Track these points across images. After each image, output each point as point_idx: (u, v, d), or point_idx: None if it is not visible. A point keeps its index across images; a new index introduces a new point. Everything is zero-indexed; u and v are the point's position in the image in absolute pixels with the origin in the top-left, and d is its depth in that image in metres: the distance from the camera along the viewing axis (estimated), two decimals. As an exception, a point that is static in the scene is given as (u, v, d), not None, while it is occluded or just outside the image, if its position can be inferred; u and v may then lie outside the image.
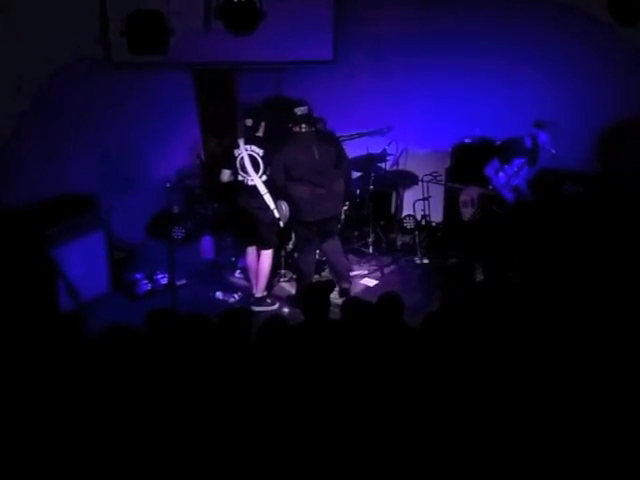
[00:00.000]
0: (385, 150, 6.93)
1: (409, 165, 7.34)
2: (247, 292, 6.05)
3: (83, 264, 5.64)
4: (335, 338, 3.66)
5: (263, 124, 5.62)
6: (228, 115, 7.51)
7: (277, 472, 2.84)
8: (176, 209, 6.88)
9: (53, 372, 3.26)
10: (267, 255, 5.80)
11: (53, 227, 5.45)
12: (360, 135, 6.75)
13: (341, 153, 5.73)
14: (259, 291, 5.84)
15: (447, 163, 6.94)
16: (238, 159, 5.60)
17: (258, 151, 5.56)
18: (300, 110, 5.47)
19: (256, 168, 5.56)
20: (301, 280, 5.80)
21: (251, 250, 5.88)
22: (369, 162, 6.83)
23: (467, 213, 5.99)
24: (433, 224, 7.26)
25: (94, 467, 2.82)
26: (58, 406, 3.03)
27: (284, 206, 5.64)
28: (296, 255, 6.04)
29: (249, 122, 5.59)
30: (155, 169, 6.78)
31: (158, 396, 3.10)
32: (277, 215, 5.59)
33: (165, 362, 3.33)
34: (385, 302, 3.86)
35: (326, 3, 6.92)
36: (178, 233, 6.92)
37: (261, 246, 5.82)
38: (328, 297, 4.13)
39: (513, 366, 3.38)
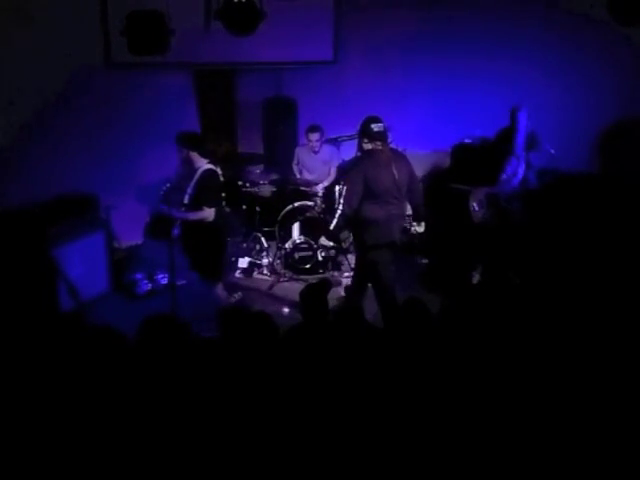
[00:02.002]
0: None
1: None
2: (247, 292, 6.06)
3: (83, 264, 5.64)
4: (335, 339, 3.66)
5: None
6: (228, 115, 7.52)
7: (274, 474, 2.84)
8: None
9: (53, 372, 3.26)
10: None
11: (53, 227, 5.46)
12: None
13: (413, 172, 5.35)
14: None
15: (447, 163, 6.95)
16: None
17: None
18: (377, 127, 5.05)
19: None
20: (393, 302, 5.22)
21: None
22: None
23: (479, 215, 5.96)
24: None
25: (94, 467, 2.82)
26: (58, 406, 3.03)
27: None
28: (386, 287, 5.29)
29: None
30: (155, 169, 6.77)
31: (157, 396, 3.10)
32: None
33: (162, 363, 3.33)
34: (410, 309, 3.79)
35: (326, 3, 6.92)
36: (177, 233, 6.91)
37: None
38: (326, 297, 4.13)
39: (513, 366, 3.39)
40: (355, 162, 5.37)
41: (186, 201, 5.13)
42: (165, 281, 6.02)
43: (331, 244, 5.75)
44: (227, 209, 7.10)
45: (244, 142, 7.62)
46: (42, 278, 5.22)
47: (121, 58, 6.14)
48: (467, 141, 6.80)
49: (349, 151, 6.80)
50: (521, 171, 5.77)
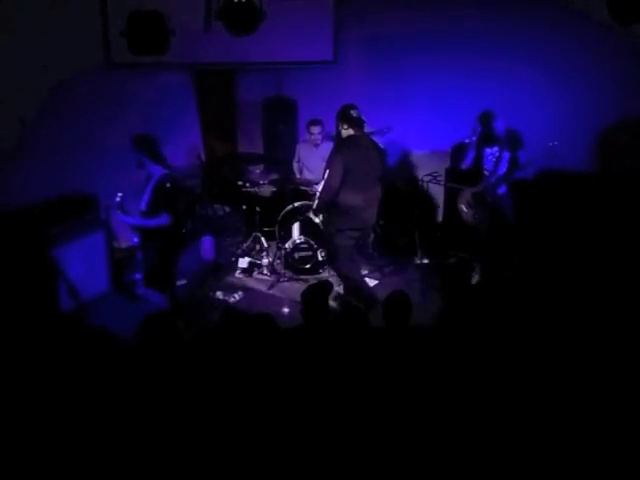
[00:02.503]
0: (385, 150, 6.93)
1: (409, 165, 7.35)
2: (247, 292, 6.06)
3: (83, 264, 5.63)
4: (335, 339, 3.66)
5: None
6: (228, 115, 7.52)
7: (274, 474, 2.84)
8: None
9: (53, 371, 3.26)
10: None
11: (53, 227, 5.45)
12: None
13: (384, 160, 5.53)
14: None
15: (447, 163, 6.95)
16: None
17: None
18: (355, 112, 5.21)
19: None
20: (357, 287, 5.52)
21: None
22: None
23: (469, 216, 5.96)
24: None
25: (94, 466, 2.82)
26: (58, 405, 3.03)
27: None
28: (339, 268, 5.60)
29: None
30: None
31: (157, 396, 3.10)
32: None
33: (163, 362, 3.33)
34: (393, 302, 3.85)
35: (326, 3, 6.93)
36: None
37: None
38: (327, 298, 4.13)
39: (512, 366, 3.39)
40: (335, 148, 5.43)
41: (143, 208, 4.97)
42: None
43: (318, 220, 5.76)
44: (227, 209, 7.15)
45: (244, 142, 7.63)
46: (42, 278, 5.21)
47: (121, 58, 6.15)
48: (467, 141, 6.79)
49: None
50: (503, 168, 5.75)
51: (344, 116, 5.23)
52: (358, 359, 3.43)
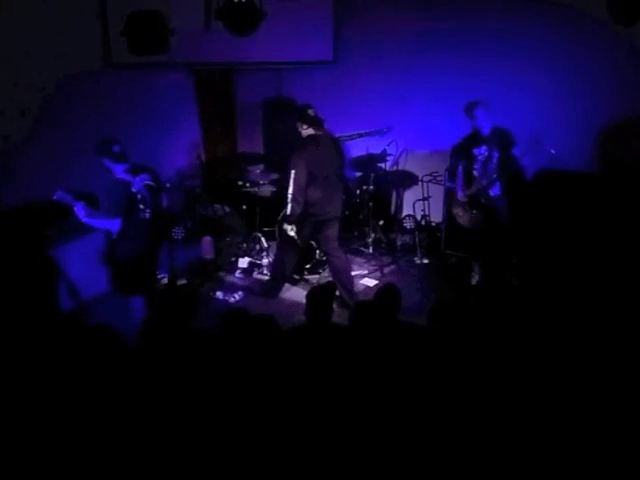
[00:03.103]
0: (385, 150, 6.93)
1: (409, 165, 7.34)
2: (247, 292, 6.06)
3: (83, 264, 5.64)
4: (337, 340, 3.66)
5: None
6: (228, 115, 7.52)
7: (274, 473, 2.84)
8: (176, 209, 6.89)
9: (53, 371, 3.26)
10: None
11: (53, 227, 5.46)
12: (360, 135, 6.77)
13: (343, 155, 5.78)
14: None
15: (447, 163, 6.94)
16: (139, 195, 4.72)
17: (148, 179, 4.78)
18: (313, 112, 5.41)
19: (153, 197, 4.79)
20: (279, 274, 5.93)
21: None
22: (369, 162, 6.84)
23: (465, 220, 5.95)
24: (433, 224, 7.26)
25: (95, 465, 2.82)
26: (58, 405, 3.03)
27: None
28: (281, 251, 5.96)
29: (117, 149, 4.76)
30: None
31: (156, 396, 3.10)
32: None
33: (162, 363, 3.33)
34: (383, 295, 3.89)
35: (326, 3, 6.92)
36: (178, 233, 6.93)
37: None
38: (332, 299, 4.12)
39: (512, 366, 3.39)
40: (297, 148, 5.50)
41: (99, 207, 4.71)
42: (165, 281, 6.02)
43: (292, 233, 5.76)
44: (227, 209, 7.15)
45: (244, 142, 7.63)
46: (42, 278, 5.22)
47: (121, 58, 6.15)
48: (467, 141, 6.80)
49: (349, 150, 6.81)
50: (492, 168, 5.73)
51: (302, 116, 5.43)
52: (359, 360, 3.43)
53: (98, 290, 5.82)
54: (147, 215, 4.74)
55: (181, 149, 7.31)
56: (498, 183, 5.71)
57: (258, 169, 6.95)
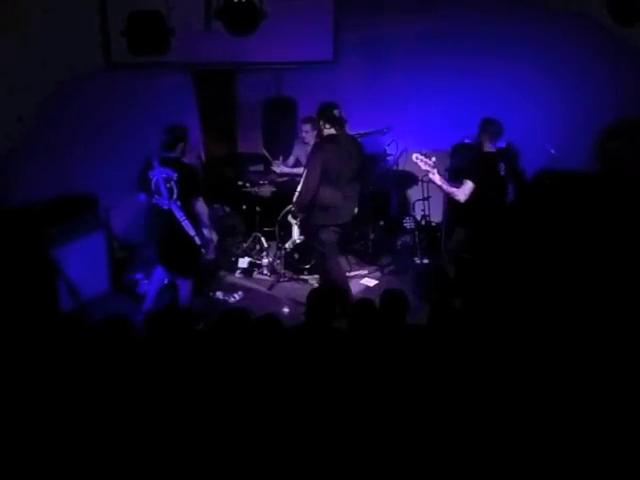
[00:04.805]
0: (385, 150, 6.93)
1: (409, 165, 7.33)
2: (247, 292, 6.06)
3: (83, 264, 5.64)
4: (335, 341, 3.66)
5: (182, 145, 5.14)
6: (228, 115, 7.51)
7: (272, 472, 2.84)
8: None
9: (53, 371, 3.26)
10: (186, 286, 5.34)
11: (53, 227, 5.46)
12: (360, 135, 6.74)
13: (363, 157, 5.58)
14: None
15: (447, 163, 6.95)
16: (152, 182, 5.04)
17: (172, 174, 5.01)
18: (337, 112, 5.26)
19: (170, 193, 5.02)
20: (329, 284, 5.50)
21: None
22: (369, 162, 6.83)
23: None
24: (433, 224, 7.26)
25: (95, 467, 2.82)
26: (58, 405, 3.03)
27: (212, 234, 5.33)
28: (324, 264, 5.65)
29: (166, 144, 5.08)
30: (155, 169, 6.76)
31: (156, 396, 3.10)
32: (198, 242, 5.11)
33: (162, 363, 3.33)
34: (389, 300, 3.86)
35: (326, 3, 6.93)
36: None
37: (179, 275, 5.34)
38: (334, 303, 4.09)
39: (511, 366, 3.39)
40: (315, 147, 5.45)
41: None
42: (165, 281, 6.01)
43: (293, 221, 5.81)
44: (227, 209, 7.14)
45: (244, 142, 7.62)
46: (42, 278, 5.22)
47: (121, 58, 6.15)
48: (467, 141, 6.80)
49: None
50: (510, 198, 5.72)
51: (327, 115, 5.28)
52: (357, 361, 3.43)
53: (98, 290, 5.84)
54: (164, 205, 5.03)
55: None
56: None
57: (258, 169, 6.94)
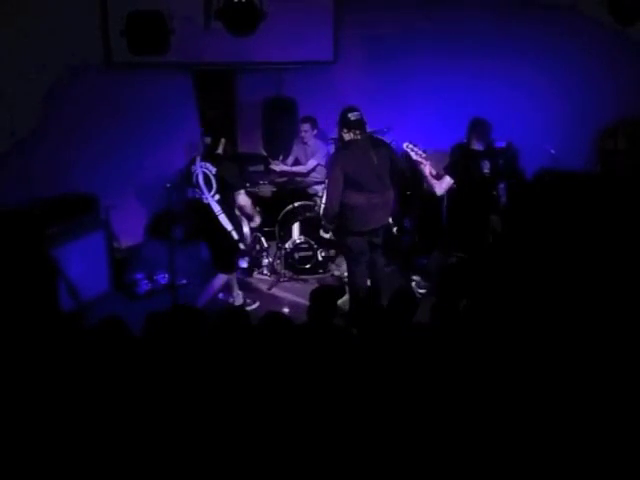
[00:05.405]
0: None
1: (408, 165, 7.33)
2: (247, 292, 6.06)
3: (83, 264, 5.64)
4: (336, 342, 3.66)
5: (223, 141, 5.40)
6: (228, 115, 7.51)
7: (271, 471, 2.84)
8: (176, 209, 6.88)
9: (53, 371, 3.26)
10: (221, 279, 5.54)
11: (53, 227, 5.46)
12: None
13: (395, 158, 5.39)
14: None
15: (447, 163, 6.94)
16: (194, 176, 5.36)
17: (211, 169, 5.28)
18: (354, 115, 5.13)
19: (209, 187, 5.29)
20: (354, 294, 5.36)
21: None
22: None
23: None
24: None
25: (95, 466, 2.82)
26: (58, 405, 3.03)
27: (245, 227, 5.45)
28: (345, 269, 5.65)
29: (208, 140, 5.38)
30: (155, 169, 6.77)
31: (156, 396, 3.10)
32: (235, 236, 5.34)
33: (162, 362, 3.33)
34: (398, 299, 3.87)
35: (326, 3, 6.93)
36: (178, 233, 6.91)
37: (218, 269, 5.58)
38: (336, 302, 4.08)
39: (511, 367, 3.39)
40: (334, 155, 5.40)
41: None
42: (165, 281, 6.02)
43: (327, 236, 5.73)
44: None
45: (244, 142, 7.62)
46: (42, 278, 5.22)
47: (121, 58, 6.14)
48: (467, 141, 6.79)
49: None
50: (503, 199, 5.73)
51: (342, 120, 5.18)
52: (363, 358, 3.43)
53: (98, 290, 5.83)
54: (204, 199, 5.31)
55: (181, 149, 7.30)
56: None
57: (258, 169, 6.93)
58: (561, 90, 6.38)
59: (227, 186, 5.29)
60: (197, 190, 5.35)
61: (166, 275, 5.97)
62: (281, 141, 7.38)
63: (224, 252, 5.48)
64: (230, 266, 5.61)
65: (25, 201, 5.51)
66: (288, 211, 6.58)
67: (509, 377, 3.30)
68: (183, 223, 6.97)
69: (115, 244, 6.42)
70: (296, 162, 6.96)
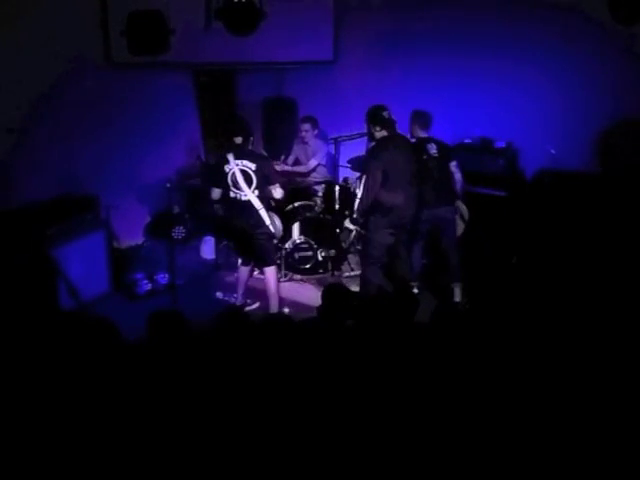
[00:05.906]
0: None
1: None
2: (247, 292, 6.05)
3: (83, 264, 5.63)
4: (344, 339, 3.66)
5: (252, 139, 5.45)
6: (228, 115, 7.51)
7: (272, 471, 2.84)
8: (176, 209, 6.88)
9: (53, 371, 3.26)
10: (271, 273, 5.62)
11: (53, 227, 5.46)
12: (360, 135, 6.73)
13: (418, 159, 5.45)
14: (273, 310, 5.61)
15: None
16: (229, 175, 5.31)
17: (250, 165, 5.29)
18: (387, 114, 5.18)
19: (249, 183, 5.30)
20: (365, 290, 5.44)
21: (243, 268, 5.75)
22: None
23: (461, 228, 5.93)
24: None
25: (95, 466, 2.82)
26: (58, 405, 3.03)
27: (277, 221, 5.52)
28: (362, 266, 5.74)
29: (239, 140, 5.33)
30: (155, 169, 6.78)
31: (157, 396, 3.10)
32: (272, 230, 5.42)
33: (162, 362, 3.33)
34: (400, 298, 3.86)
35: (326, 3, 6.93)
36: (178, 233, 6.92)
37: (263, 264, 5.68)
38: (349, 303, 4.05)
39: (512, 367, 3.39)
40: (372, 151, 5.37)
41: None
42: (165, 281, 6.02)
43: (353, 227, 5.78)
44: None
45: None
46: (42, 278, 5.22)
47: (121, 58, 6.15)
48: (467, 141, 6.80)
49: (348, 151, 6.79)
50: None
51: (376, 118, 5.19)
52: (364, 359, 3.43)
53: (98, 290, 5.83)
54: (241, 196, 5.33)
55: (181, 149, 7.31)
56: None
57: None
58: (561, 90, 6.37)
59: (266, 181, 5.35)
60: (234, 189, 5.32)
61: (166, 275, 5.96)
62: (281, 141, 7.39)
63: (265, 247, 5.53)
64: (273, 258, 5.72)
65: (25, 201, 5.51)
66: (288, 211, 6.58)
67: (509, 377, 3.30)
68: (183, 223, 6.99)
69: (115, 244, 6.42)
70: (297, 162, 6.96)
